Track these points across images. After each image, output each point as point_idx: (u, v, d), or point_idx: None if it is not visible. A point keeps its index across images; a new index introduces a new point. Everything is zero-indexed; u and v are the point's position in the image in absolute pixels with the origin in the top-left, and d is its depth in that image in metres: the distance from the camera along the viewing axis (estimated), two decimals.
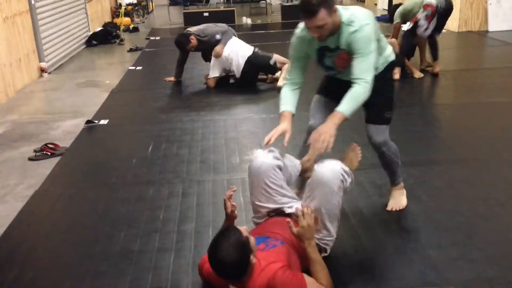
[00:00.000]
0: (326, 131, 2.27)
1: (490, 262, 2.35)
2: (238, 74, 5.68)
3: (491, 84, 5.49)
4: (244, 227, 2.04)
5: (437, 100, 5.03)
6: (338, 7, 2.40)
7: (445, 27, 8.83)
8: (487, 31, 8.40)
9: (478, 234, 2.60)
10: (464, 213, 2.80)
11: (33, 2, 6.56)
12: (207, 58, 5.95)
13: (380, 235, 2.63)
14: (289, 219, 2.20)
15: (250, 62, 5.59)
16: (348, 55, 2.42)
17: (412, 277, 2.26)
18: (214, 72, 5.72)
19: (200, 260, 2.27)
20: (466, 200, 2.97)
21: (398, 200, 2.89)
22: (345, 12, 2.40)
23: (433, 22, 5.45)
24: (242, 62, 5.59)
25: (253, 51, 5.65)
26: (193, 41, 5.65)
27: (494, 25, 8.40)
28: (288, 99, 2.61)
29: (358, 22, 2.36)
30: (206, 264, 2.12)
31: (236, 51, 5.61)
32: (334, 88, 2.66)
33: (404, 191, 2.93)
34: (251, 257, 1.96)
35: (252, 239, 2.02)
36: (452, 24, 8.70)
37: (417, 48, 6.05)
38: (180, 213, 2.97)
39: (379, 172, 3.20)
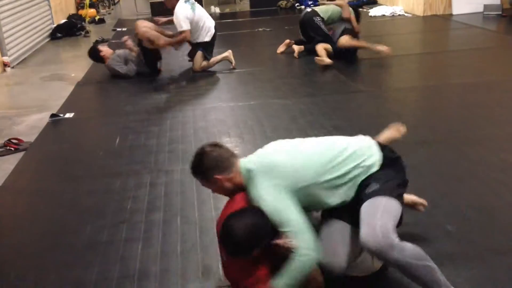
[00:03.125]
0: None
1: (450, 239, 2.42)
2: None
3: (455, 66, 5.61)
4: None
5: (402, 83, 5.12)
6: (250, 157, 2.11)
7: (410, 11, 9.00)
8: (451, 15, 8.55)
9: (438, 211, 2.67)
10: (425, 192, 2.86)
11: None
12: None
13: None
14: None
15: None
16: None
17: None
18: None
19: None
20: (428, 179, 3.04)
21: None
22: (249, 165, 2.03)
23: None
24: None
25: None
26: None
27: (458, 8, 8.54)
28: None
29: (255, 189, 1.97)
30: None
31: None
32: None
33: None
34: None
35: None
36: (418, 8, 8.83)
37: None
38: (148, 203, 2.96)
39: None
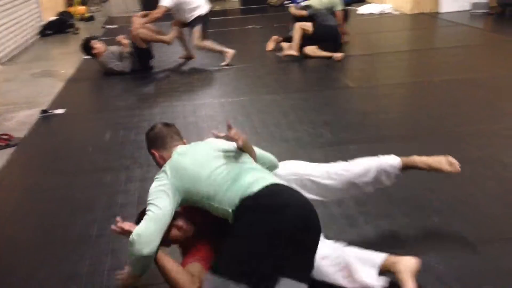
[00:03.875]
0: None
1: (436, 230, 2.49)
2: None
3: (442, 63, 5.69)
4: None
5: (390, 80, 5.18)
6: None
7: (398, 9, 9.08)
8: (438, 13, 8.64)
9: (425, 204, 2.73)
10: (412, 186, 2.93)
11: None
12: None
13: (333, 210, 2.73)
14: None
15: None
16: None
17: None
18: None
19: None
20: (414, 173, 3.09)
21: None
22: (174, 154, 2.12)
23: None
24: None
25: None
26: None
27: (446, 6, 8.63)
28: None
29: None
30: None
31: None
32: None
33: None
34: None
35: None
36: (406, 6, 8.91)
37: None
38: (139, 197, 2.99)
39: (333, 149, 3.32)
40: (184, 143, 2.25)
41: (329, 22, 6.11)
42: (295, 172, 2.32)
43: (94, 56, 5.85)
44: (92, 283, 2.26)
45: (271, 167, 2.28)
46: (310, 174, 2.31)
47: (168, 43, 5.93)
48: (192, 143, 2.24)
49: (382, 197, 2.80)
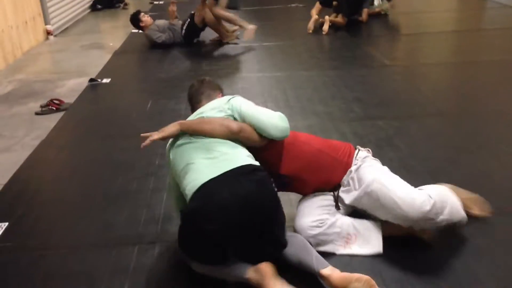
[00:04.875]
0: None
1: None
2: None
3: (486, 45, 5.61)
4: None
5: (428, 59, 5.16)
6: None
7: None
8: None
9: (448, 179, 2.80)
10: (436, 160, 3.01)
11: None
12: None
13: None
14: None
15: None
16: None
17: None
18: None
19: None
20: (440, 148, 3.17)
21: None
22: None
23: None
24: None
25: None
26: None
27: None
28: None
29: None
30: None
31: None
32: None
33: None
34: None
35: None
36: None
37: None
38: None
39: (362, 124, 3.42)
40: (218, 95, 2.41)
41: None
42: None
43: (142, 28, 6.12)
44: (127, 233, 2.48)
45: (274, 132, 2.19)
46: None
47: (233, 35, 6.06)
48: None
49: (402, 168, 2.89)
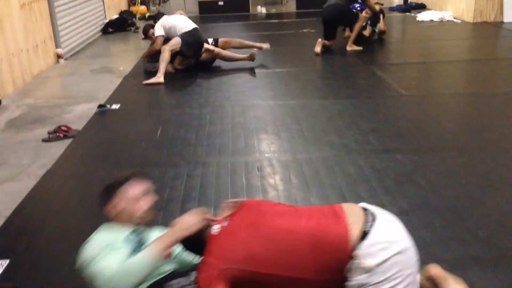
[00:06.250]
0: None
1: (480, 243, 2.41)
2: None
3: (502, 75, 5.49)
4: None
5: (445, 89, 5.04)
6: None
7: (459, 17, 8.82)
8: (502, 22, 8.32)
9: (471, 217, 2.66)
10: (459, 198, 2.86)
11: None
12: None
13: None
14: None
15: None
16: None
17: None
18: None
19: None
20: (463, 185, 3.02)
21: None
22: None
23: None
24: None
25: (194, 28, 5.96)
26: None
27: (510, 16, 8.31)
28: None
29: None
30: None
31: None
32: None
33: None
34: None
35: None
36: (467, 14, 8.64)
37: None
38: (184, 193, 3.08)
39: (380, 157, 3.29)
40: None
41: (330, 2, 6.77)
42: None
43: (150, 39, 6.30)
44: None
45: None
46: None
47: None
48: None
49: (424, 206, 2.76)
